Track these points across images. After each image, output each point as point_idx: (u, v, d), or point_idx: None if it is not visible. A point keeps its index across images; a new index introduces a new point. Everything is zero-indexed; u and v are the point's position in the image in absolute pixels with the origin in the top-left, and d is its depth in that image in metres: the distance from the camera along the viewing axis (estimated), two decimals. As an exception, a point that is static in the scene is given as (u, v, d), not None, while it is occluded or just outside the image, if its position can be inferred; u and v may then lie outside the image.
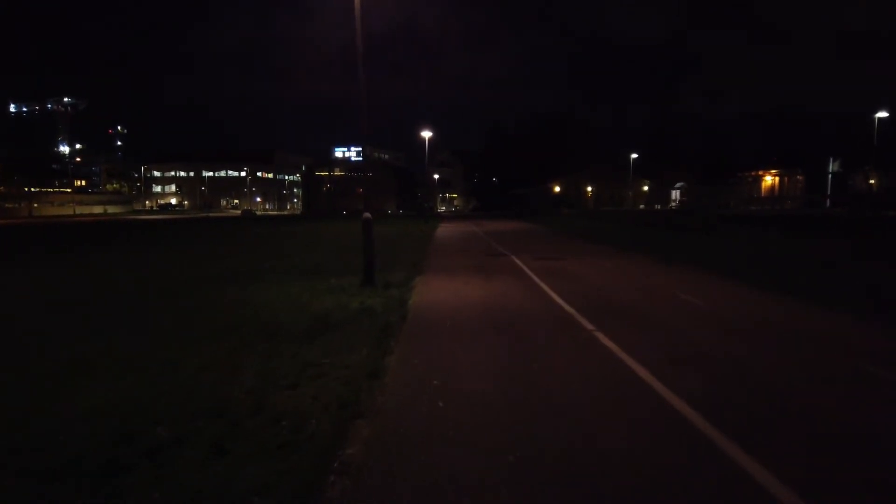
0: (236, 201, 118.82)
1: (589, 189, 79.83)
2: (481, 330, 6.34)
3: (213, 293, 8.91)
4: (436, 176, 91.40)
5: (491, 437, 3.43)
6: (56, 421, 3.63)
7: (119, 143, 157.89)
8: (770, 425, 3.60)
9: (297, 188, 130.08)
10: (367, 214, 9.26)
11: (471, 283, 10.00)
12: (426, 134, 37.68)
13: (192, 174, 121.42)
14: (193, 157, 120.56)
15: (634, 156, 63.79)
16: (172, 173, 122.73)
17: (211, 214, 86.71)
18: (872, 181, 53.45)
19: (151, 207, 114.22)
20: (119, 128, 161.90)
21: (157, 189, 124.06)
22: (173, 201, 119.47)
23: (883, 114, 38.74)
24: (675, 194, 75.99)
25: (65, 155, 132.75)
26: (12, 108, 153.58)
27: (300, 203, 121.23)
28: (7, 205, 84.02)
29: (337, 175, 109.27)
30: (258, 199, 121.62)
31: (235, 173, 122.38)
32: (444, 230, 29.62)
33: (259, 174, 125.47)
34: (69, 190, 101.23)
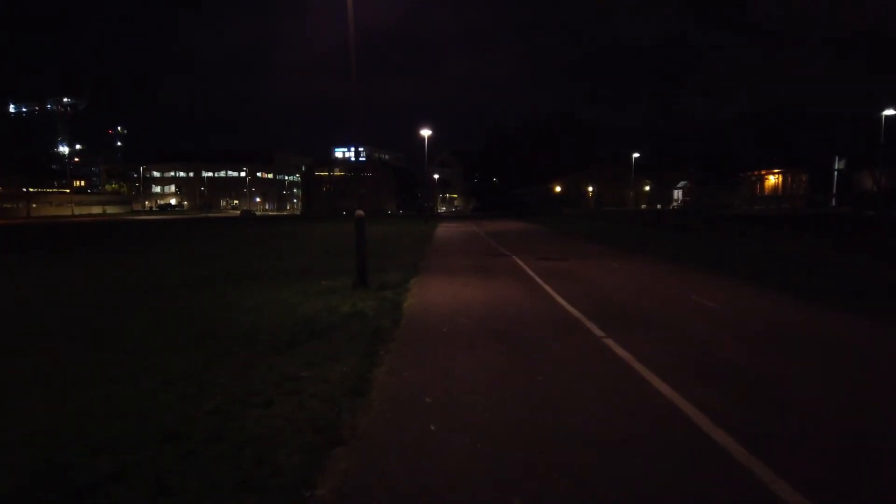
0: (236, 202, 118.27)
1: (590, 189, 79.25)
2: (481, 337, 5.80)
3: (198, 296, 8.38)
4: (436, 176, 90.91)
5: (491, 472, 2.89)
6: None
7: (119, 143, 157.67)
8: (825, 458, 3.06)
9: (297, 188, 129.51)
10: (360, 212, 8.73)
11: (470, 284, 9.46)
12: (426, 133, 37.15)
13: (191, 174, 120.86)
14: (193, 157, 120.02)
15: (636, 155, 63.29)
16: (172, 173, 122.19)
17: (210, 215, 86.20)
18: (872, 180, 52.85)
19: (151, 208, 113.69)
20: (119, 128, 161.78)
21: (157, 189, 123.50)
22: (173, 202, 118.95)
23: (890, 112, 38.13)
24: (677, 194, 75.36)
25: (64, 155, 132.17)
26: (12, 108, 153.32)
27: (300, 203, 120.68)
28: (5, 205, 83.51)
29: (337, 175, 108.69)
30: (258, 200, 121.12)
31: (235, 173, 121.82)
32: (443, 230, 29.08)
33: (259, 174, 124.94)
34: (68, 190, 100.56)
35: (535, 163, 76.66)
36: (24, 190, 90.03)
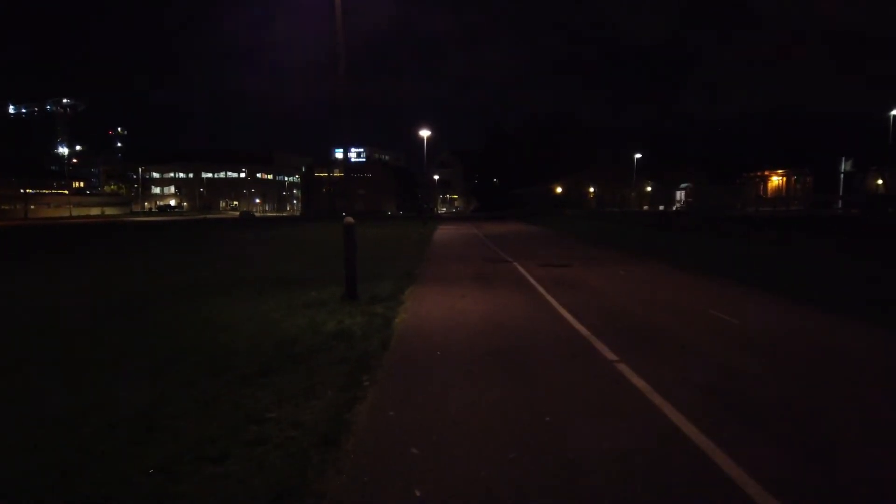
0: (235, 203, 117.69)
1: (591, 190, 78.53)
2: (479, 362, 5.17)
3: (174, 310, 7.76)
4: (436, 177, 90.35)
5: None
6: None
7: (119, 144, 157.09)
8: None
9: (297, 189, 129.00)
10: (350, 219, 8.10)
11: (468, 295, 8.83)
12: (425, 133, 36.55)
13: (191, 175, 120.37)
14: (192, 157, 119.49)
15: (638, 156, 62.59)
16: (171, 174, 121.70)
17: (209, 216, 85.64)
18: (881, 181, 52.12)
19: (150, 209, 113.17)
20: (119, 129, 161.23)
21: (157, 190, 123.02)
22: (172, 203, 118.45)
23: (897, 111, 37.48)
24: (680, 195, 74.57)
25: (63, 156, 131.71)
26: (11, 109, 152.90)
27: (300, 204, 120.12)
28: (2, 207, 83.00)
29: (337, 176, 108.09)
30: (257, 201, 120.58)
31: (235, 174, 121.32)
32: (442, 233, 28.46)
33: (258, 175, 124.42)
34: (66, 192, 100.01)
35: (536, 163, 75.94)
36: (22, 191, 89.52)
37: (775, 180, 62.48)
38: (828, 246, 16.22)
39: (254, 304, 8.06)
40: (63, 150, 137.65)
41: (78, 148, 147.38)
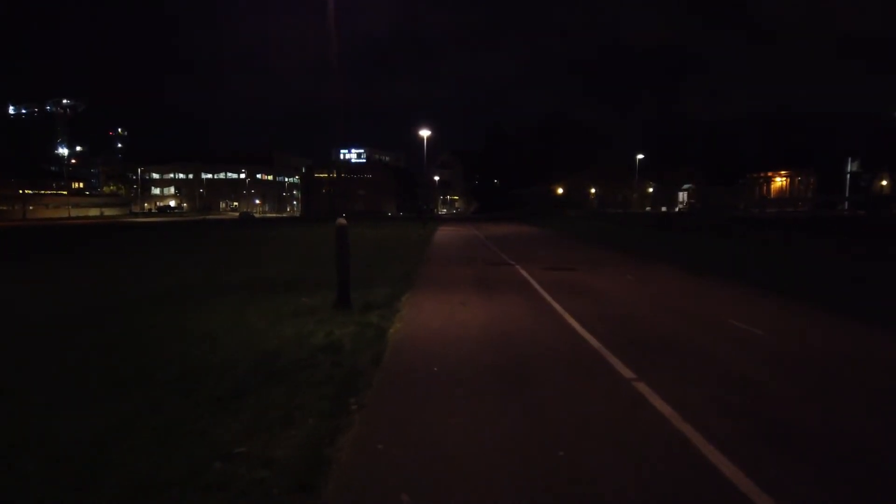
0: (235, 203, 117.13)
1: (592, 191, 78.02)
2: (480, 381, 4.64)
3: (153, 317, 7.23)
4: (436, 177, 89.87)
5: None
6: None
7: (119, 144, 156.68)
8: None
9: (297, 190, 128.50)
10: (342, 220, 7.58)
11: (469, 302, 8.30)
12: (425, 133, 36.02)
13: (191, 176, 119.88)
14: (192, 158, 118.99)
15: (640, 156, 62.06)
16: (171, 175, 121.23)
17: (209, 217, 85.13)
18: (885, 182, 51.50)
19: (150, 209, 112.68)
20: (119, 129, 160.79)
21: (156, 191, 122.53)
22: (172, 203, 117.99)
23: (905, 111, 36.92)
24: (682, 196, 74.05)
25: (63, 157, 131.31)
26: (11, 109, 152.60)
27: (299, 205, 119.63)
28: (1, 207, 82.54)
29: (336, 177, 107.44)
30: (257, 202, 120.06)
31: (234, 175, 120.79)
32: (442, 234, 27.94)
33: (258, 176, 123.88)
34: (65, 192, 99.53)
35: (536, 164, 75.45)
36: (21, 192, 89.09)
37: (778, 181, 61.92)
38: (832, 247, 15.69)
39: (240, 310, 7.54)
40: (63, 151, 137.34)
41: (78, 149, 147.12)
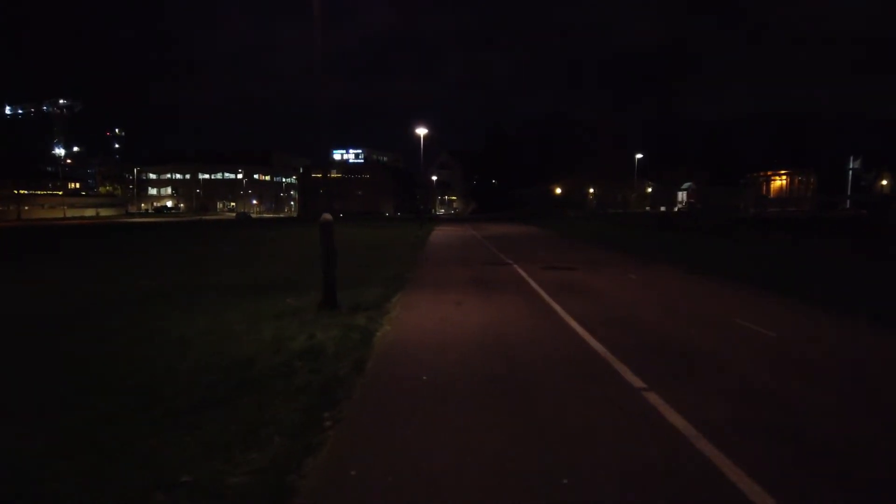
0: (233, 204, 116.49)
1: (591, 191, 77.56)
2: (474, 391, 4.18)
3: (127, 320, 6.76)
4: (434, 178, 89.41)
5: None
6: None
7: (116, 145, 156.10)
8: None
9: (295, 190, 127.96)
10: (327, 216, 7.12)
11: (465, 303, 7.84)
12: (422, 131, 35.50)
13: (188, 176, 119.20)
14: (189, 158, 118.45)
15: (639, 156, 61.60)
16: (168, 175, 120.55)
17: (205, 217, 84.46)
18: (885, 182, 51.22)
19: (146, 210, 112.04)
20: (117, 130, 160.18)
21: (153, 191, 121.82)
22: (169, 204, 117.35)
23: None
24: (681, 195, 73.59)
25: (60, 157, 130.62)
26: (7, 109, 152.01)
27: (296, 205, 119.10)
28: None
29: (334, 177, 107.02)
30: (255, 202, 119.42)
31: (232, 175, 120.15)
32: (439, 234, 27.47)
33: (256, 176, 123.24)
34: (60, 192, 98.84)
35: (535, 164, 75.02)
36: (16, 192, 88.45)
37: (778, 181, 61.56)
38: (844, 247, 15.26)
39: (220, 312, 7.07)
40: (59, 151, 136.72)
41: (75, 149, 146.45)
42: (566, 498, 2.63)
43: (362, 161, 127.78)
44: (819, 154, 56.93)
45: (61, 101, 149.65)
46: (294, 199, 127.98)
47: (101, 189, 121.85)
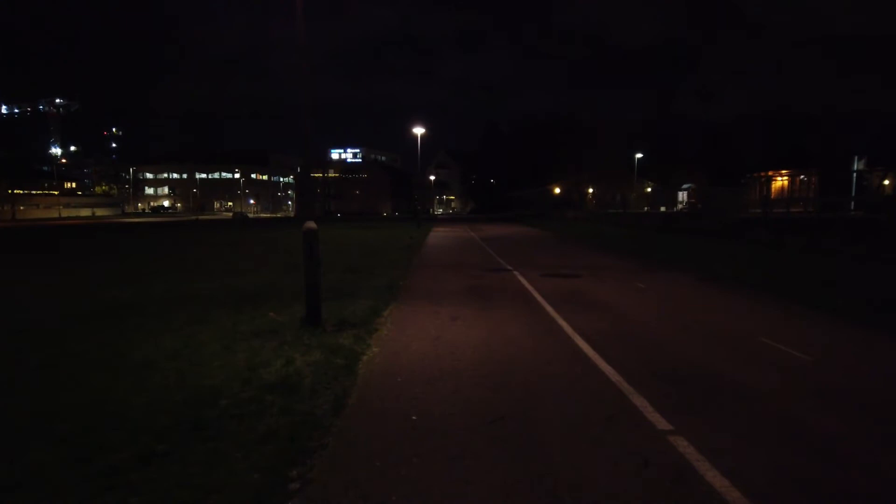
0: (230, 203, 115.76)
1: (590, 191, 76.98)
2: (471, 433, 3.55)
3: (88, 338, 6.11)
4: (432, 177, 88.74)
5: None
6: None
7: (114, 145, 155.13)
8: None
9: (292, 190, 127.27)
10: (311, 224, 6.48)
11: (460, 318, 7.21)
12: (419, 131, 34.86)
13: (185, 176, 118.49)
14: (186, 158, 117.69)
15: (639, 156, 61.03)
16: (165, 175, 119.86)
17: (202, 217, 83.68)
18: (887, 182, 50.69)
19: (143, 209, 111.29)
20: (114, 129, 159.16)
21: (150, 191, 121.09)
22: (166, 203, 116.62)
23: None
24: (682, 196, 72.98)
25: (56, 156, 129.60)
26: (3, 109, 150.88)
27: (293, 205, 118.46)
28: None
29: (331, 177, 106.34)
30: (252, 202, 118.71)
31: (229, 175, 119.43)
32: (436, 236, 26.83)
33: (253, 176, 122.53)
34: (56, 192, 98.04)
35: (534, 164, 74.44)
36: (10, 192, 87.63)
37: (779, 181, 60.96)
38: (863, 251, 14.65)
39: (193, 329, 6.43)
40: (56, 151, 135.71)
41: (72, 149, 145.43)
42: None
43: (360, 161, 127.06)
44: (820, 154, 56.26)
45: (58, 101, 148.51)
46: (292, 199, 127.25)
47: (98, 189, 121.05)
